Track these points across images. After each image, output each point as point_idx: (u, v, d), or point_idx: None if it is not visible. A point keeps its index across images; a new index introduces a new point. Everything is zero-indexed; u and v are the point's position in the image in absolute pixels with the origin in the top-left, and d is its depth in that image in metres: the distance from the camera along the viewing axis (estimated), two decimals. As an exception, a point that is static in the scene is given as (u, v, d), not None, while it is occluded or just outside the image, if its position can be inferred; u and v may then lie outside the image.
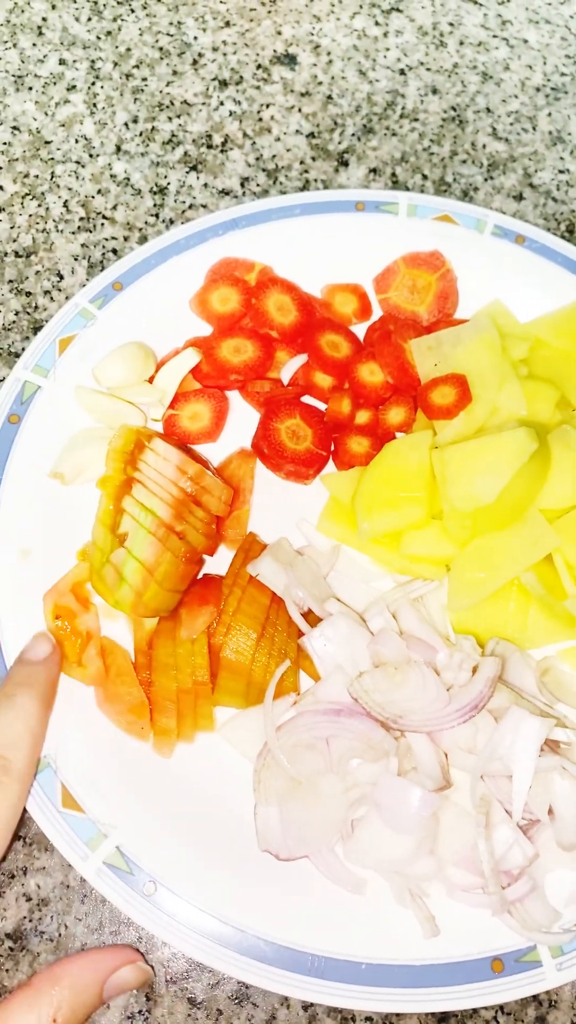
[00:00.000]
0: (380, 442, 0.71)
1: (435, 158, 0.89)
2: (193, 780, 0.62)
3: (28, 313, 0.79)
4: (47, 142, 0.86)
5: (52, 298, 0.79)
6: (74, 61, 0.91)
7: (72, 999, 0.53)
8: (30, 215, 0.83)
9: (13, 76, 0.89)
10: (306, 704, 0.62)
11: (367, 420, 0.72)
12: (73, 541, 0.67)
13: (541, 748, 0.60)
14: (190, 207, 0.84)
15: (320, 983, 0.57)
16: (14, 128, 0.86)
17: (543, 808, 0.60)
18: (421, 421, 0.72)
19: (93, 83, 0.89)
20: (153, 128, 0.88)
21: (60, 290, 0.80)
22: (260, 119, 0.89)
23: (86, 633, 0.64)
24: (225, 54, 0.92)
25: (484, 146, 0.90)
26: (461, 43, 0.96)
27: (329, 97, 0.91)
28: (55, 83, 0.89)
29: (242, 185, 0.86)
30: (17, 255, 0.81)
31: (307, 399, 0.74)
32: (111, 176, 0.85)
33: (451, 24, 0.97)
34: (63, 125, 0.87)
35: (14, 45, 0.91)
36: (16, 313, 0.78)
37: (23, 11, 0.93)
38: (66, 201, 0.83)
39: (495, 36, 0.96)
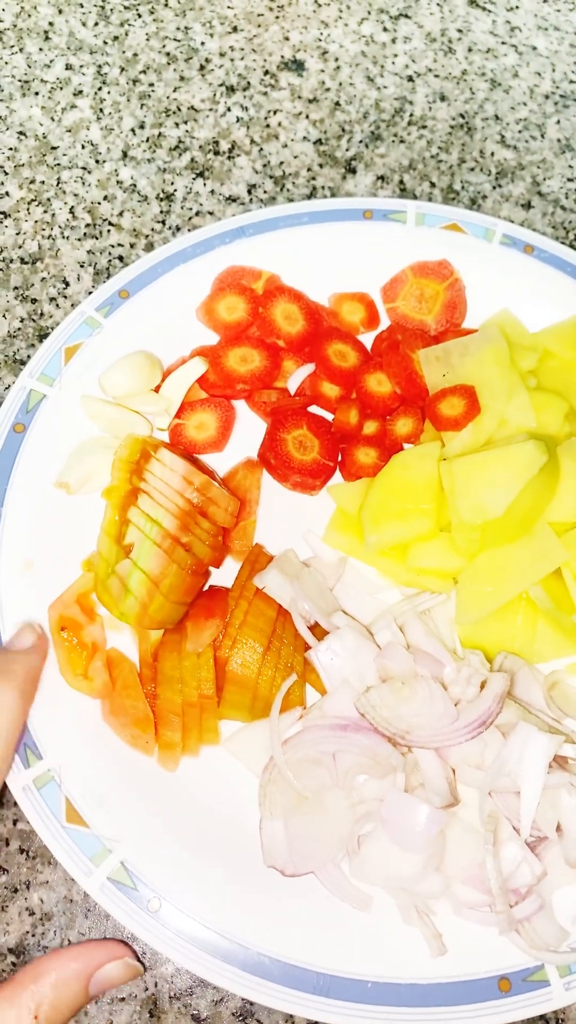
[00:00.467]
0: (388, 453, 0.70)
1: (443, 165, 0.89)
2: (198, 794, 0.62)
3: (34, 320, 0.78)
4: (53, 148, 0.86)
5: (58, 305, 0.79)
6: (81, 66, 0.90)
7: (54, 995, 0.52)
8: (36, 221, 0.82)
9: (20, 81, 0.89)
10: (312, 718, 0.61)
11: (375, 431, 0.71)
12: (78, 551, 0.66)
13: (549, 764, 0.59)
14: (197, 214, 0.84)
15: (325, 1001, 0.56)
16: (20, 133, 0.86)
17: (551, 825, 0.59)
18: (429, 432, 0.71)
19: (100, 88, 0.89)
20: (160, 134, 0.87)
21: (66, 297, 0.79)
22: (267, 125, 0.89)
23: (92, 645, 0.63)
24: (232, 60, 0.92)
25: (492, 154, 0.90)
26: (470, 50, 0.95)
27: (337, 103, 0.91)
28: (61, 88, 0.89)
29: (249, 192, 0.85)
30: (23, 261, 0.80)
31: (314, 409, 0.73)
32: (117, 182, 0.84)
33: (460, 31, 0.96)
34: (69, 131, 0.87)
35: (20, 50, 0.90)
36: (22, 320, 0.78)
37: (30, 15, 0.92)
38: (72, 207, 0.83)
39: (504, 43, 0.96)
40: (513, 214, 0.87)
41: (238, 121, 0.89)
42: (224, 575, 0.68)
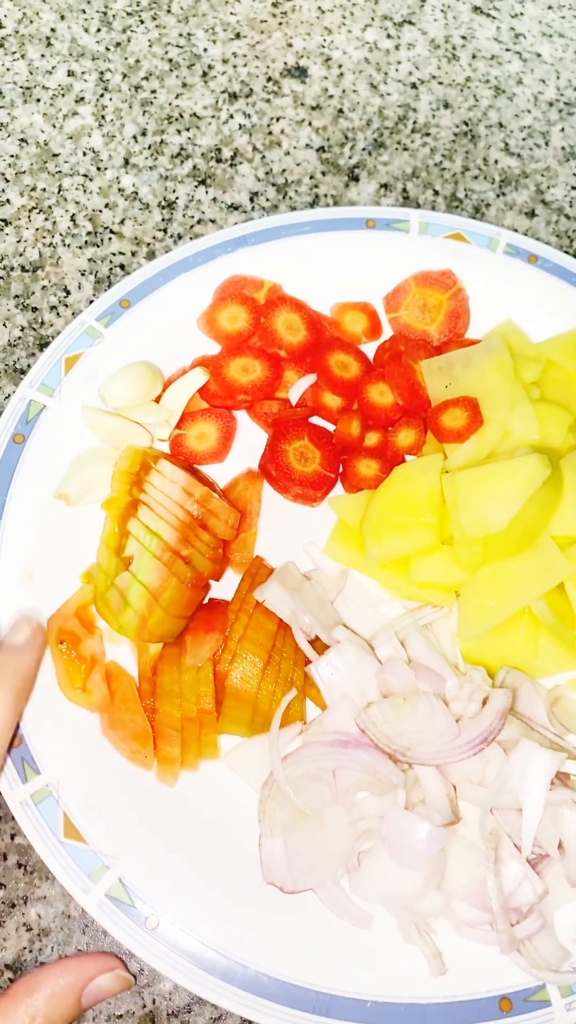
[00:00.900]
0: (389, 465, 0.70)
1: (447, 173, 0.88)
2: (197, 809, 0.61)
3: (34, 329, 0.78)
4: (55, 155, 0.85)
5: (58, 314, 0.78)
6: (83, 73, 0.90)
7: (48, 1008, 0.52)
8: (37, 229, 0.82)
9: (21, 87, 0.88)
10: (312, 734, 0.61)
11: (376, 442, 0.71)
12: (78, 563, 0.66)
13: (551, 781, 0.59)
14: (199, 222, 0.83)
15: (324, 1021, 0.55)
16: (22, 140, 0.86)
17: (553, 842, 0.59)
18: (431, 444, 0.71)
19: (102, 95, 0.89)
20: (162, 141, 0.87)
21: (67, 306, 0.79)
22: (270, 132, 0.88)
23: (90, 658, 0.63)
24: (235, 66, 0.92)
25: (496, 161, 0.89)
26: (474, 56, 0.95)
27: (340, 111, 0.90)
28: (63, 95, 0.88)
29: (251, 200, 0.85)
30: (23, 269, 0.80)
31: (316, 420, 0.73)
32: (119, 190, 0.84)
33: (464, 37, 0.96)
34: (71, 137, 0.86)
35: (22, 56, 0.90)
36: (22, 329, 0.78)
37: (32, 21, 0.92)
38: (73, 215, 0.83)
39: (508, 49, 0.95)
40: (517, 223, 0.86)
41: (240, 128, 0.88)
42: (224, 588, 0.67)
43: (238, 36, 0.93)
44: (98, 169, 0.85)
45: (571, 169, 0.89)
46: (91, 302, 0.79)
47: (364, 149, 0.88)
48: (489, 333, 0.75)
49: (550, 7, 0.98)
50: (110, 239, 0.82)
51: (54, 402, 0.69)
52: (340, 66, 0.93)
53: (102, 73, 0.90)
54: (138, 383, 0.69)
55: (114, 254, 0.81)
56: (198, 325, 0.74)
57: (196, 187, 0.85)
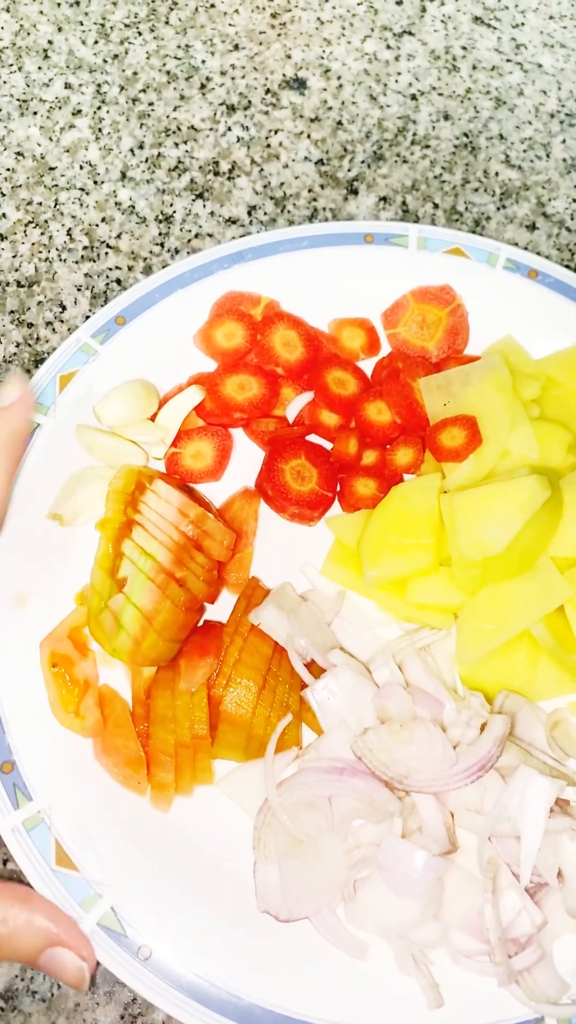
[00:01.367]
0: (387, 484, 0.69)
1: (447, 186, 0.87)
2: (191, 836, 0.60)
3: (29, 345, 0.77)
4: (51, 168, 0.85)
5: (54, 330, 0.78)
6: (80, 85, 0.89)
7: (16, 927, 0.52)
8: (33, 243, 0.81)
9: (18, 100, 0.88)
10: (308, 760, 0.60)
11: (374, 461, 0.70)
12: (71, 585, 0.65)
13: (551, 809, 0.58)
14: (196, 236, 0.83)
15: (319, 1053, 0.55)
16: (18, 154, 0.85)
17: (552, 871, 0.58)
18: (430, 462, 0.70)
19: (99, 108, 0.88)
20: (159, 154, 0.86)
21: (62, 321, 0.78)
22: (268, 145, 0.88)
23: (84, 682, 0.62)
24: (233, 78, 0.91)
25: (497, 174, 0.88)
26: (474, 67, 0.94)
27: (339, 123, 0.90)
28: (60, 107, 0.88)
29: (249, 213, 0.84)
30: (19, 285, 0.79)
31: (313, 438, 0.72)
32: (116, 204, 0.83)
33: (464, 48, 0.95)
34: (68, 151, 0.86)
35: (19, 68, 0.89)
36: (17, 345, 0.77)
37: (29, 33, 0.91)
38: (69, 229, 0.82)
39: (509, 60, 0.95)
40: (517, 236, 0.85)
41: (239, 141, 0.88)
42: (220, 609, 0.67)
43: (236, 48, 0.93)
44: (95, 183, 0.84)
45: (572, 181, 0.89)
46: (87, 318, 0.78)
47: (363, 162, 0.88)
48: (488, 350, 0.74)
49: (551, 17, 0.97)
50: (107, 254, 0.81)
51: (48, 420, 0.69)
52: (339, 77, 0.92)
53: (99, 85, 0.89)
54: (133, 401, 0.69)
55: (111, 269, 0.81)
56: (194, 342, 0.73)
57: (194, 201, 0.84)
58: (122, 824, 0.60)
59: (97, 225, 0.82)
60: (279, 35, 0.94)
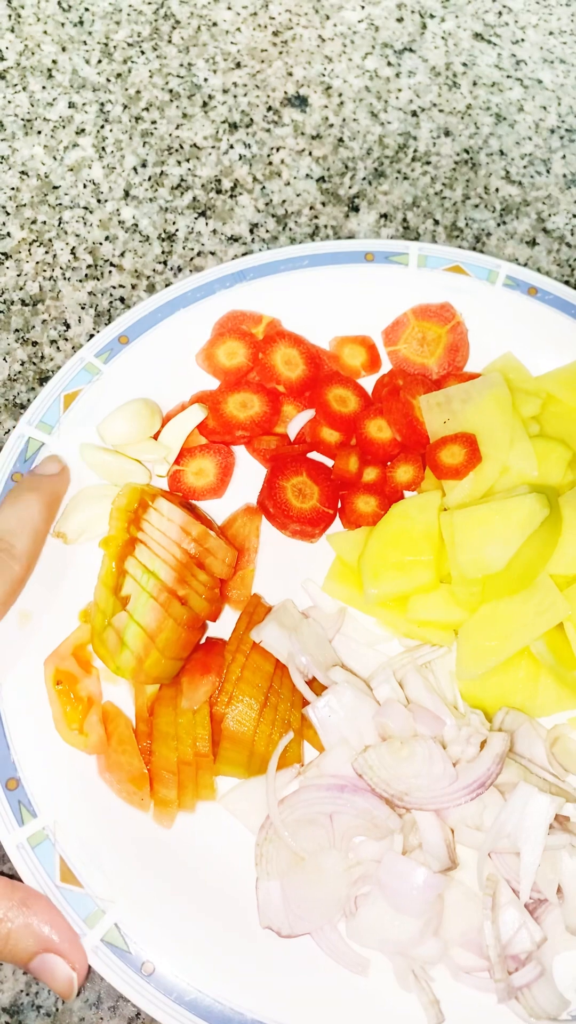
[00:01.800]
0: (388, 501, 0.69)
1: (447, 202, 0.88)
2: (194, 852, 0.61)
3: (34, 363, 0.78)
4: (55, 187, 0.86)
5: (58, 348, 0.79)
6: (84, 104, 0.90)
7: (13, 931, 0.53)
8: (37, 262, 0.82)
9: (22, 120, 0.89)
10: (309, 778, 0.60)
11: (375, 478, 0.71)
12: (75, 603, 0.66)
13: (551, 825, 0.58)
14: (198, 254, 0.83)
15: (321, 1069, 0.55)
16: (22, 173, 0.86)
17: (552, 887, 0.58)
18: (430, 480, 0.70)
19: (102, 126, 0.89)
20: (162, 172, 0.87)
21: (67, 339, 0.79)
22: (270, 163, 0.88)
23: (87, 699, 0.63)
24: (235, 96, 0.92)
25: (497, 190, 0.89)
26: (474, 84, 0.95)
27: (340, 140, 0.90)
28: (64, 127, 0.89)
29: (251, 231, 0.85)
30: (24, 303, 0.80)
31: (314, 455, 0.73)
32: (119, 222, 0.84)
33: (464, 64, 0.96)
34: (71, 169, 0.86)
35: (24, 88, 0.90)
36: (22, 363, 0.78)
37: (33, 53, 0.92)
38: (73, 248, 0.83)
39: (509, 76, 0.95)
40: (518, 251, 0.86)
41: (241, 159, 0.88)
42: (222, 626, 0.67)
43: (238, 66, 0.94)
44: (98, 201, 0.85)
45: (572, 197, 0.89)
46: (91, 336, 0.79)
47: (364, 179, 0.88)
48: (488, 367, 0.75)
49: (551, 33, 0.98)
50: (110, 272, 0.82)
51: (52, 439, 0.69)
52: (340, 95, 0.93)
53: (103, 104, 0.90)
54: (136, 420, 0.69)
55: (114, 287, 0.81)
56: (197, 361, 0.74)
57: (196, 219, 0.85)
58: (126, 840, 0.60)
59: (101, 244, 0.83)
60: (280, 53, 0.95)
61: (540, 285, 0.77)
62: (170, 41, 0.94)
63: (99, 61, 0.93)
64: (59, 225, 0.84)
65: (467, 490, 0.68)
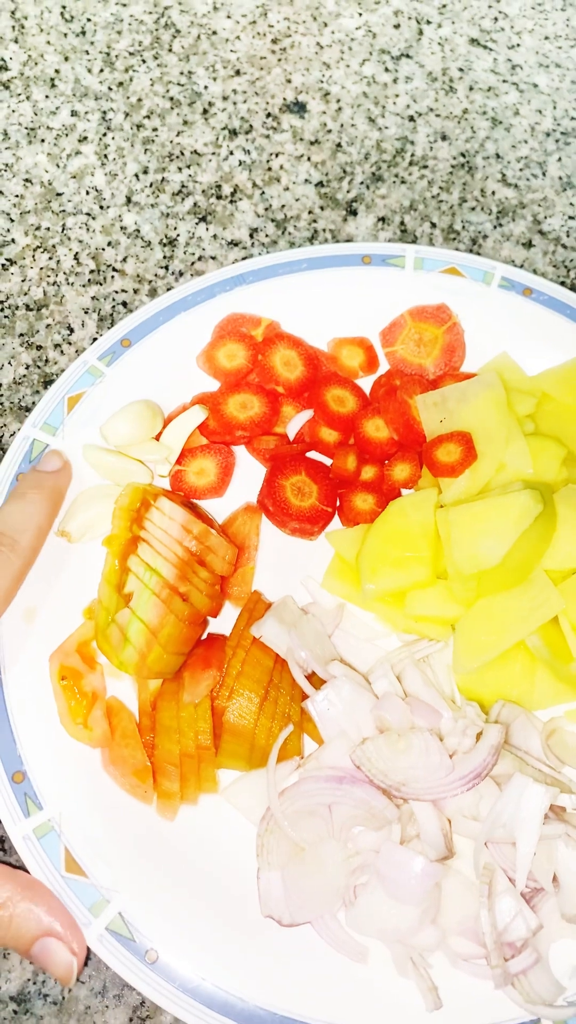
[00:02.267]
0: (385, 499, 0.71)
1: (444, 206, 0.89)
2: (196, 843, 0.62)
3: (39, 367, 0.79)
4: (58, 194, 0.87)
5: (62, 351, 0.80)
6: (86, 112, 0.92)
7: (15, 915, 0.55)
8: (41, 268, 0.84)
9: (26, 128, 0.90)
10: (309, 769, 0.61)
11: (372, 476, 0.72)
12: (79, 600, 0.67)
13: (546, 814, 0.59)
14: (199, 259, 0.85)
15: (321, 1054, 0.56)
16: (26, 180, 0.88)
17: (547, 876, 0.59)
18: (427, 477, 0.72)
19: (104, 134, 0.91)
20: (163, 179, 0.89)
21: (70, 343, 0.81)
22: (269, 168, 0.90)
23: (92, 694, 0.64)
24: (235, 103, 0.93)
25: (493, 193, 0.90)
26: (471, 88, 0.96)
27: (338, 145, 0.92)
28: (67, 135, 0.90)
29: (251, 236, 0.86)
30: (28, 308, 0.82)
31: (313, 454, 0.74)
32: (121, 228, 0.86)
33: (461, 69, 0.97)
34: (74, 177, 0.88)
35: (27, 97, 0.92)
36: (27, 367, 0.79)
37: (36, 63, 0.94)
38: (77, 254, 0.84)
39: (505, 81, 0.97)
40: (514, 253, 0.87)
41: (240, 164, 0.90)
42: (223, 622, 0.69)
43: (238, 73, 0.95)
44: (101, 208, 0.87)
45: (568, 199, 0.90)
46: (94, 339, 0.80)
47: (362, 183, 0.90)
48: (484, 367, 0.76)
49: (546, 38, 0.99)
50: (113, 277, 0.84)
51: (56, 441, 0.71)
52: (338, 101, 0.94)
53: (105, 113, 0.92)
54: (138, 421, 0.71)
55: (117, 292, 0.83)
56: (197, 363, 0.75)
57: (197, 224, 0.86)
58: (129, 832, 0.62)
59: (103, 249, 0.85)
60: (279, 60, 0.96)
61: (535, 286, 0.78)
62: (171, 50, 0.96)
63: (101, 70, 0.94)
64: (62, 231, 0.85)
65: (463, 487, 0.69)
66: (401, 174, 0.91)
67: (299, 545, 0.72)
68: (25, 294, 0.82)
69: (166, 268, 0.84)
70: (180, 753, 0.62)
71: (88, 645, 0.66)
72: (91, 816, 0.61)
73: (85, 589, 0.67)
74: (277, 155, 0.91)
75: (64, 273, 0.83)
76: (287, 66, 0.96)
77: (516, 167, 0.92)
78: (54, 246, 0.85)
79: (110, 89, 0.93)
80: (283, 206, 0.88)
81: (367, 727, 0.62)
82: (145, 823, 0.62)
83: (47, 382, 0.79)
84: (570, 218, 0.89)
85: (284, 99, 0.94)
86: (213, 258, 0.85)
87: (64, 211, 0.86)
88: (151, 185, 0.88)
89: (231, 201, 0.88)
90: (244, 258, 0.85)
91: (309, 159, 0.91)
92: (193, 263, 0.85)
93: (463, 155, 0.92)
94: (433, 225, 0.88)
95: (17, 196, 0.87)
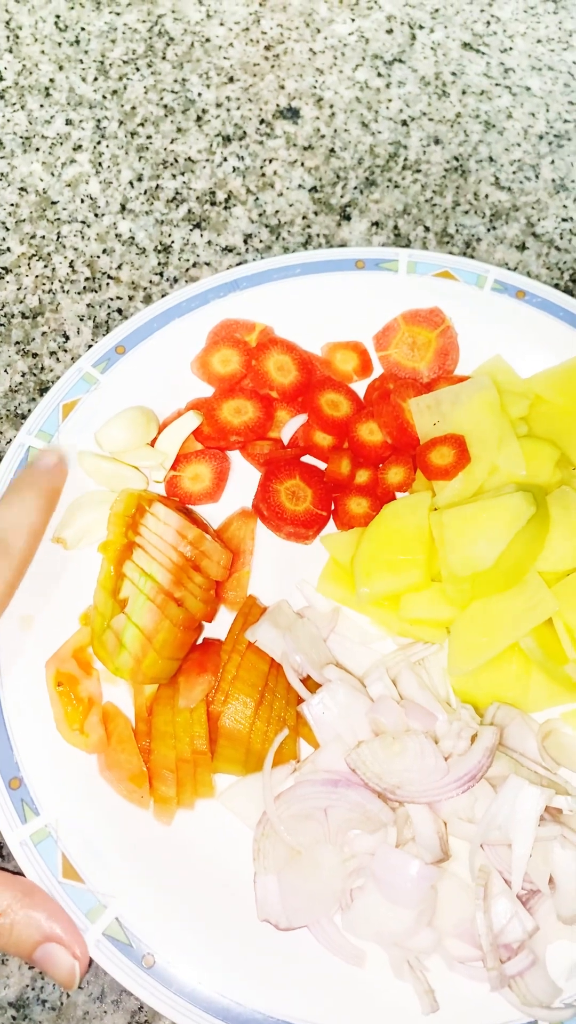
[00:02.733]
0: (380, 502, 0.71)
1: (437, 209, 0.89)
2: (193, 848, 0.62)
3: (35, 375, 0.80)
4: (53, 202, 0.88)
5: (58, 359, 0.81)
6: (80, 121, 0.92)
7: (15, 922, 0.55)
8: (36, 276, 0.84)
9: (21, 137, 0.91)
10: (305, 773, 0.62)
11: (367, 480, 0.72)
12: (75, 606, 0.68)
13: (542, 816, 0.59)
14: (194, 265, 0.85)
15: (318, 1058, 0.56)
16: (21, 189, 0.88)
17: (543, 878, 0.59)
18: (421, 480, 0.72)
19: (99, 142, 0.91)
20: (157, 186, 0.89)
21: (66, 351, 0.81)
22: (263, 174, 0.90)
23: (88, 700, 0.65)
24: (229, 110, 0.94)
25: (487, 196, 0.90)
26: (463, 92, 0.96)
27: (332, 150, 0.92)
28: (61, 143, 0.91)
29: (245, 242, 0.87)
30: (24, 316, 0.82)
31: (308, 459, 0.74)
32: (116, 235, 0.86)
33: (453, 73, 0.97)
34: (69, 185, 0.89)
35: (22, 107, 0.93)
36: (23, 375, 0.80)
37: (31, 73, 0.95)
38: (72, 261, 0.85)
39: (497, 84, 0.97)
40: (508, 256, 0.87)
41: (234, 171, 0.90)
42: (218, 626, 0.69)
43: (231, 80, 0.96)
44: (96, 215, 0.87)
45: (561, 201, 0.91)
46: (90, 347, 0.81)
47: (356, 188, 0.90)
48: (477, 370, 0.76)
49: (539, 41, 1.00)
50: (108, 284, 0.84)
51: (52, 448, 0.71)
52: (331, 106, 0.95)
53: (99, 121, 0.92)
54: (133, 427, 0.71)
55: (112, 299, 0.83)
56: (192, 369, 0.76)
57: (191, 231, 0.87)
58: (126, 837, 0.62)
59: (98, 257, 0.85)
60: (272, 66, 0.97)
61: (528, 288, 0.78)
62: (164, 58, 0.96)
63: (95, 79, 0.95)
64: (58, 239, 0.86)
65: (457, 490, 0.69)
66: (394, 178, 0.91)
67: (294, 549, 0.72)
68: (21, 302, 0.83)
69: (161, 275, 0.85)
70: (176, 758, 0.62)
71: (84, 651, 0.66)
72: (88, 822, 0.62)
73: (81, 595, 0.68)
74: (271, 161, 0.91)
75: (59, 281, 0.84)
76: (280, 72, 0.96)
77: (509, 170, 0.92)
78: (49, 254, 0.85)
79: (104, 97, 0.94)
80: (277, 212, 0.88)
81: (362, 730, 0.62)
82: (142, 828, 0.62)
83: (43, 390, 0.79)
84: (563, 220, 0.90)
85: (277, 105, 0.94)
86: (207, 264, 0.85)
87: (59, 219, 0.87)
88: (145, 192, 0.89)
89: (225, 207, 0.88)
90: (238, 264, 0.85)
91: (303, 165, 0.91)
92: (188, 269, 0.85)
93: (456, 159, 0.93)
94: (427, 229, 0.88)
95: (12, 205, 0.87)
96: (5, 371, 0.80)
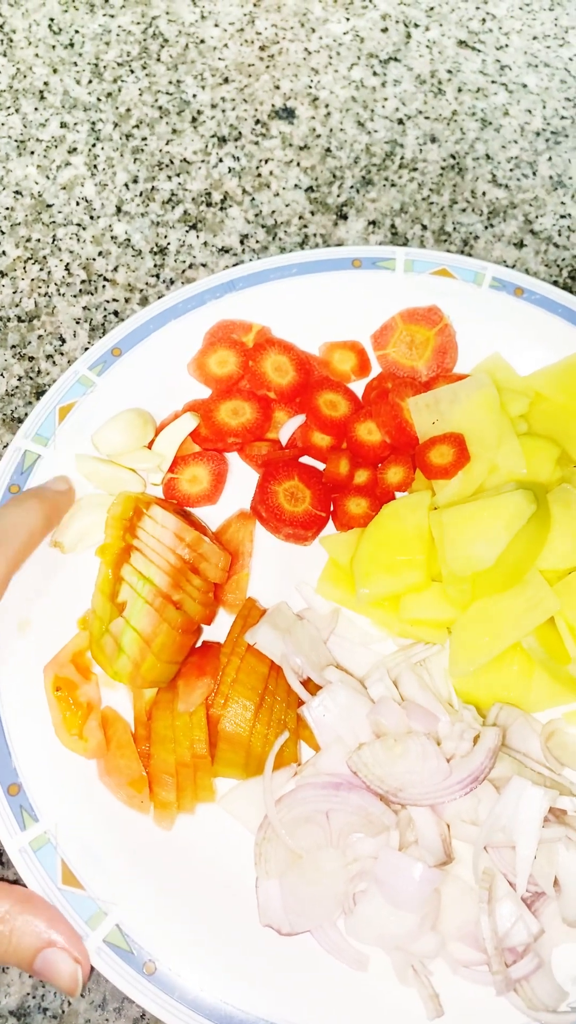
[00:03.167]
0: (379, 502, 0.70)
1: (435, 207, 0.89)
2: (194, 853, 0.62)
3: (31, 378, 0.79)
4: (48, 205, 0.87)
5: (54, 362, 0.80)
6: (75, 124, 0.92)
7: (14, 929, 0.54)
8: (32, 279, 0.84)
9: (16, 141, 0.91)
10: (306, 776, 0.61)
11: (366, 480, 0.72)
12: (73, 610, 0.67)
13: (546, 817, 0.59)
14: (190, 266, 0.85)
15: (322, 1065, 0.56)
16: (16, 192, 0.88)
17: (548, 880, 0.58)
18: (420, 480, 0.71)
19: (94, 145, 0.91)
20: (153, 188, 0.89)
21: (62, 354, 0.81)
22: (259, 175, 0.90)
23: (87, 704, 0.64)
24: (224, 111, 0.93)
25: (484, 193, 0.90)
26: (459, 90, 0.96)
27: (328, 150, 0.92)
28: (56, 146, 0.90)
29: (241, 242, 0.86)
30: (20, 320, 0.82)
31: (306, 459, 0.74)
32: (112, 238, 0.86)
33: (449, 71, 0.97)
34: (64, 188, 0.88)
35: (16, 110, 0.92)
36: (19, 378, 0.79)
37: (25, 76, 0.94)
38: (67, 264, 0.85)
39: (494, 82, 0.96)
40: (506, 254, 0.87)
41: (230, 171, 0.90)
42: (218, 629, 0.68)
43: (226, 81, 0.95)
44: (91, 218, 0.87)
45: (559, 198, 0.90)
46: (86, 349, 0.80)
47: (352, 187, 0.90)
48: (476, 368, 0.75)
49: (535, 38, 0.99)
50: (104, 287, 0.84)
51: (49, 451, 0.71)
52: (327, 105, 0.94)
53: (94, 123, 0.92)
54: (130, 430, 0.71)
55: (108, 301, 0.83)
56: (188, 370, 0.75)
57: (187, 232, 0.86)
58: (126, 843, 0.61)
59: (94, 259, 0.85)
60: (267, 67, 0.96)
61: (526, 285, 0.77)
62: (159, 59, 0.96)
63: (90, 81, 0.94)
64: (53, 242, 0.86)
65: (456, 489, 0.68)
66: (391, 177, 0.91)
67: (293, 551, 0.72)
68: (16, 305, 0.82)
69: (157, 276, 0.84)
70: (176, 762, 0.61)
71: (83, 655, 0.66)
72: (87, 828, 0.61)
73: (79, 599, 0.67)
74: (267, 161, 0.91)
75: (55, 284, 0.84)
76: (275, 72, 0.96)
77: (506, 167, 0.92)
78: (45, 257, 0.85)
79: (99, 100, 0.94)
80: (273, 212, 0.88)
81: (363, 732, 0.61)
82: (142, 834, 0.62)
83: (40, 393, 0.79)
84: (561, 217, 0.89)
85: (273, 105, 0.94)
86: (204, 265, 0.85)
87: (54, 222, 0.87)
88: (141, 194, 0.88)
89: (221, 208, 0.88)
90: (235, 265, 0.85)
91: (299, 164, 0.91)
92: (184, 271, 0.85)
93: (453, 157, 0.92)
94: (424, 227, 0.88)
95: (7, 208, 0.87)
96: (1, 375, 0.79)
